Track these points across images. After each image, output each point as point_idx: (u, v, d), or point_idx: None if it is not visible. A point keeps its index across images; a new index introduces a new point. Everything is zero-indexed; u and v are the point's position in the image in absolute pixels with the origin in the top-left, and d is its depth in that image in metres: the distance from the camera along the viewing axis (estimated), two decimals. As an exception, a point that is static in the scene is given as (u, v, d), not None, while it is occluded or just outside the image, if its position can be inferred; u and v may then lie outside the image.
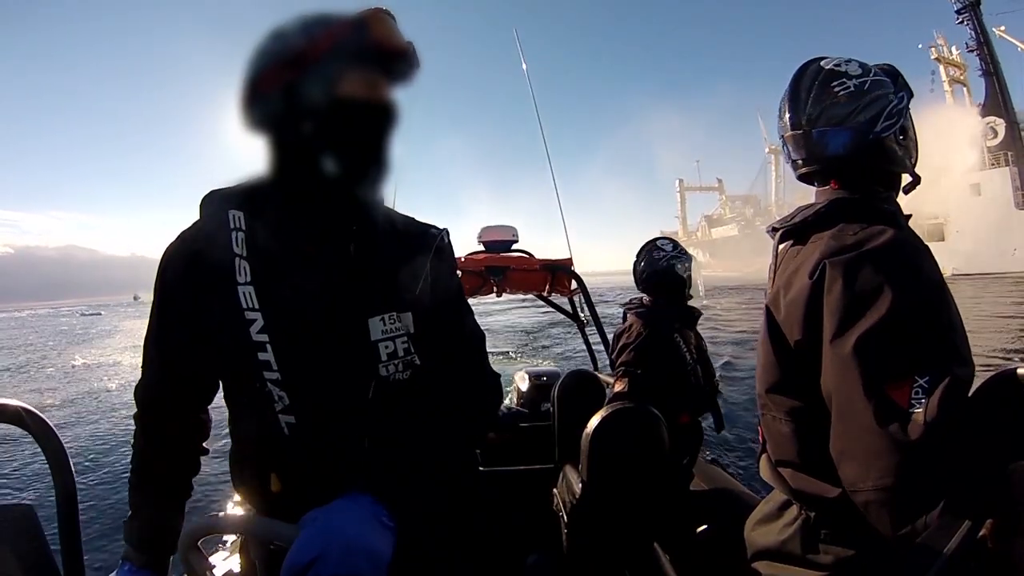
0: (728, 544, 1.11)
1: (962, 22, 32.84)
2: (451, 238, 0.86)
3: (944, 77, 35.03)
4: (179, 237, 0.77)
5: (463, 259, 2.74)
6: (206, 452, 0.87)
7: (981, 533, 0.66)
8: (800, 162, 0.91)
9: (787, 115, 0.90)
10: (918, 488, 0.64)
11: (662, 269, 1.93)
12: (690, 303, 2.00)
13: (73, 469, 0.83)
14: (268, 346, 0.71)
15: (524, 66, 3.20)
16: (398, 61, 0.72)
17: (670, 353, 1.84)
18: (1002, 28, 34.30)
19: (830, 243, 0.79)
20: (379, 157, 0.73)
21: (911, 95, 0.88)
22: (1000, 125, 31.59)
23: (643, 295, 2.00)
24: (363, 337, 0.74)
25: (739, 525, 1.01)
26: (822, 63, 0.89)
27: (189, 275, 0.74)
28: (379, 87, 0.73)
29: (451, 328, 0.83)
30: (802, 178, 0.95)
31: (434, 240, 0.82)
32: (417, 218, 0.86)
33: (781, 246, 0.93)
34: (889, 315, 0.68)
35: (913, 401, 0.65)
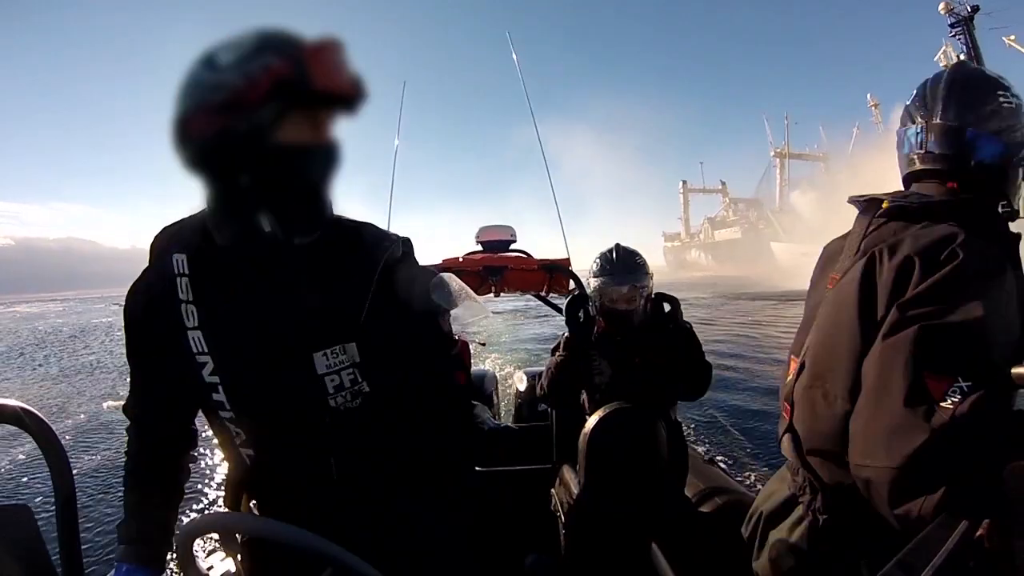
0: (727, 544, 1.12)
1: (955, 35, 32.84)
2: (411, 246, 0.84)
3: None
4: (135, 283, 0.79)
5: (461, 259, 2.73)
6: (194, 460, 0.88)
7: (978, 533, 0.67)
8: (934, 155, 0.87)
9: (940, 104, 0.86)
10: (923, 475, 0.64)
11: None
12: None
13: (72, 469, 0.83)
14: (220, 387, 0.74)
15: (515, 57, 3.19)
16: (342, 100, 0.67)
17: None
18: (1012, 37, 34.02)
19: (943, 229, 0.77)
20: (319, 200, 0.71)
21: None
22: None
23: None
24: (309, 372, 0.75)
25: (737, 524, 1.01)
26: (983, 69, 0.87)
27: (147, 321, 0.77)
28: (322, 127, 0.68)
29: (410, 341, 0.82)
30: (911, 175, 0.91)
31: (383, 254, 0.78)
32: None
33: (875, 218, 0.88)
34: (963, 321, 0.68)
35: (947, 396, 0.65)
